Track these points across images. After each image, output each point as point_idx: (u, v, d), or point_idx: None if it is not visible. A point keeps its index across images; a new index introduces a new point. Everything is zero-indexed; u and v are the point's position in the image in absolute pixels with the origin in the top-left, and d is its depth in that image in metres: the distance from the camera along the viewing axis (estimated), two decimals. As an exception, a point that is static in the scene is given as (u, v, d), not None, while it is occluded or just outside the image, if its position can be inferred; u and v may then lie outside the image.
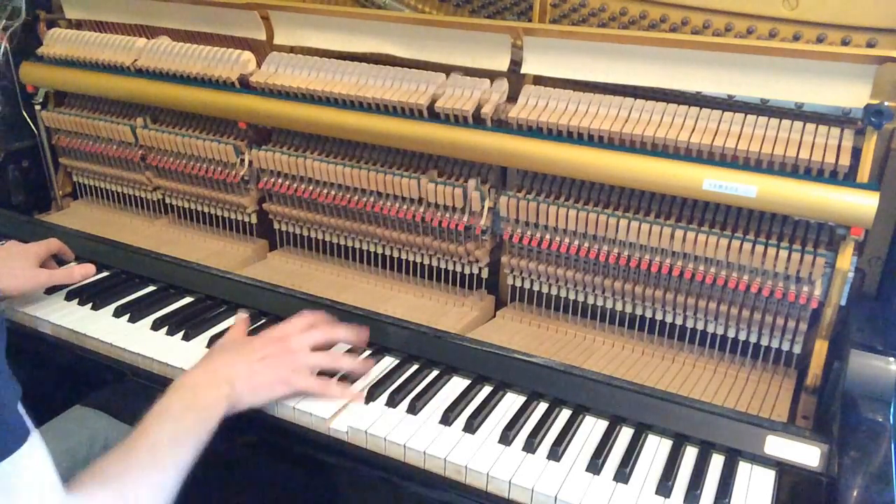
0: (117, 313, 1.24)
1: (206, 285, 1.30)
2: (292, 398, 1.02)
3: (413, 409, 1.02)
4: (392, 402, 1.03)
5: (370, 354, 1.13)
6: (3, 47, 1.58)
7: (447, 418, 1.00)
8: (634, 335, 1.22)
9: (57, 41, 1.59)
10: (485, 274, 1.31)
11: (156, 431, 0.86)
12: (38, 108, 1.65)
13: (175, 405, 0.89)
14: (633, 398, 1.00)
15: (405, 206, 1.29)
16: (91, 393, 1.19)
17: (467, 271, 1.32)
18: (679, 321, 1.17)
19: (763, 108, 1.13)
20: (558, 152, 1.14)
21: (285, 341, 1.02)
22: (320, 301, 1.23)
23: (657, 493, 0.89)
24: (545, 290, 1.26)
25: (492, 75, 1.22)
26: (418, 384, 1.07)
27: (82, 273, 1.29)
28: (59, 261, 1.34)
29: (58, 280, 1.27)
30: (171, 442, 0.85)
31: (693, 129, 1.08)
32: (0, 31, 1.57)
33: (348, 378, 1.06)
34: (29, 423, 0.71)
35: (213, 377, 0.95)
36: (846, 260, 1.02)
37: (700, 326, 1.16)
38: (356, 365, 1.07)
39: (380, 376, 1.08)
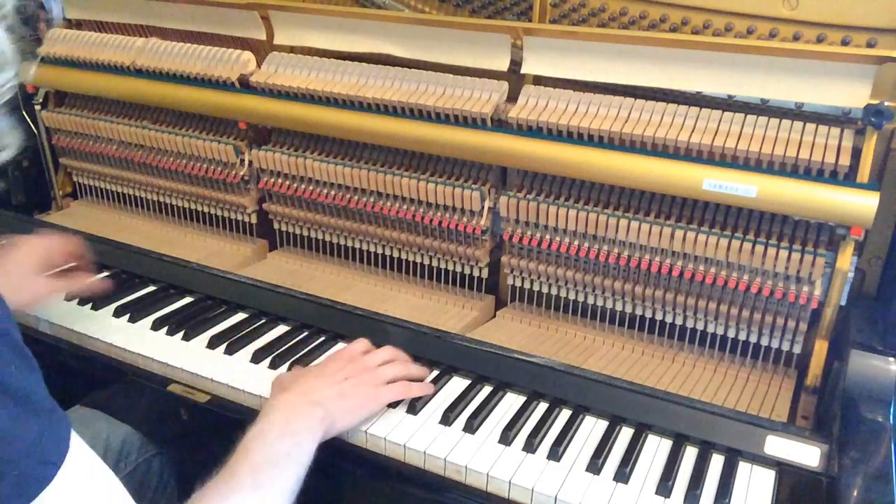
0: (117, 313, 1.24)
1: (206, 285, 1.30)
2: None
3: (413, 410, 1.02)
4: (392, 403, 1.03)
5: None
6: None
7: (447, 418, 1.00)
8: (634, 335, 1.22)
9: (57, 41, 1.59)
10: (485, 274, 1.31)
11: (255, 454, 0.83)
12: (38, 108, 1.65)
13: (272, 429, 0.87)
14: (633, 398, 1.00)
15: (405, 206, 1.29)
16: (91, 393, 1.19)
17: (467, 271, 1.32)
18: (679, 321, 1.17)
19: (763, 108, 1.13)
20: (558, 152, 1.14)
21: (359, 361, 1.02)
22: (320, 301, 1.23)
23: (657, 493, 0.89)
24: (545, 290, 1.26)
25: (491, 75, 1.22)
26: (418, 384, 1.07)
27: (87, 287, 1.23)
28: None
29: (60, 290, 1.20)
30: (271, 464, 0.83)
31: (693, 129, 1.08)
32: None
33: None
34: (73, 438, 0.66)
35: (305, 401, 0.93)
36: (846, 260, 1.02)
37: (700, 326, 1.16)
38: (420, 370, 1.08)
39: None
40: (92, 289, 1.24)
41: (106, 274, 1.27)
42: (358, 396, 0.97)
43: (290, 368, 1.10)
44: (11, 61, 0.66)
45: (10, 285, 1.11)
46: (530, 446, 0.95)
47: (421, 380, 1.06)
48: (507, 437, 0.97)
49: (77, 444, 0.65)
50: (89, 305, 1.25)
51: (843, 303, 1.05)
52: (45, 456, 0.62)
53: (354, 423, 0.97)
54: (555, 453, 0.94)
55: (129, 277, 1.35)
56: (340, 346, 1.16)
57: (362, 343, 1.07)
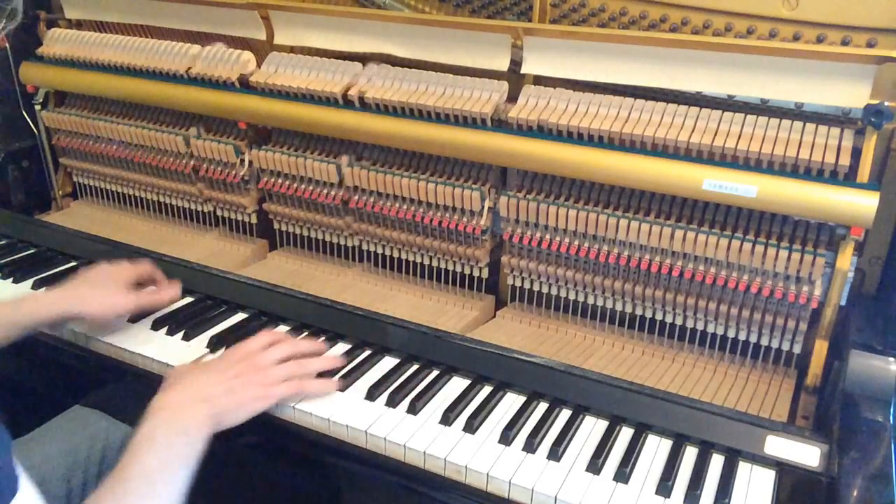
0: (117, 313, 1.24)
1: (206, 285, 1.30)
2: (293, 399, 1.02)
3: (413, 409, 1.02)
4: (392, 402, 1.03)
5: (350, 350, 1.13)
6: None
7: (447, 418, 1.00)
8: (634, 335, 1.22)
9: (57, 41, 1.59)
10: (485, 274, 1.31)
11: (146, 458, 0.83)
12: (38, 108, 1.65)
13: (160, 430, 0.86)
14: (633, 398, 1.00)
15: (405, 206, 1.29)
16: (91, 393, 1.19)
17: (467, 271, 1.32)
18: (679, 321, 1.17)
19: (763, 108, 1.13)
20: (558, 152, 1.14)
21: (251, 359, 1.00)
22: (320, 301, 1.23)
23: (657, 493, 0.89)
24: (545, 290, 1.26)
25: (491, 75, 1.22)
26: (418, 384, 1.07)
27: (171, 296, 1.22)
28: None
29: (145, 306, 1.19)
30: (161, 468, 0.82)
31: (693, 129, 1.08)
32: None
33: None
34: (17, 470, 0.67)
35: (191, 397, 0.92)
36: (846, 260, 1.02)
37: (700, 326, 1.16)
38: (324, 363, 1.06)
39: (380, 376, 1.08)
40: (172, 297, 1.23)
41: (176, 282, 1.26)
42: (247, 395, 0.96)
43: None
44: None
45: (98, 298, 1.14)
46: (530, 446, 0.95)
47: (324, 370, 1.05)
48: (507, 437, 0.97)
49: (26, 490, 0.66)
50: (89, 305, 1.25)
51: (843, 303, 1.05)
52: None
53: (242, 418, 0.95)
54: (555, 453, 0.94)
55: (129, 277, 1.35)
56: (341, 346, 1.16)
57: (260, 339, 1.04)
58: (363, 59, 1.32)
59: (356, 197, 1.33)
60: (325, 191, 1.36)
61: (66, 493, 1.01)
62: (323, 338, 1.17)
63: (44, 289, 1.31)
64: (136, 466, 0.81)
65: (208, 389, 0.93)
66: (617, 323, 1.24)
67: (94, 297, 1.14)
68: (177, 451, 0.85)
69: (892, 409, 0.91)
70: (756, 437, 0.93)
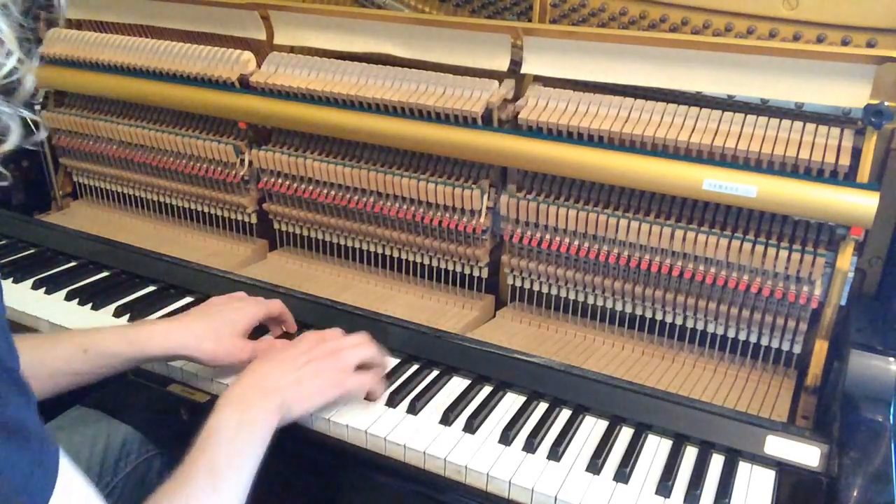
0: (117, 313, 1.23)
1: (206, 285, 1.30)
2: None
3: (413, 409, 1.02)
4: (392, 402, 1.03)
5: None
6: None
7: (447, 418, 1.00)
8: (634, 335, 1.22)
9: (57, 41, 1.59)
10: (485, 274, 1.31)
11: (213, 452, 0.81)
12: (38, 108, 1.65)
13: (228, 422, 0.85)
14: (633, 398, 1.00)
15: (405, 206, 1.29)
16: (91, 393, 1.18)
17: (467, 271, 1.32)
18: (679, 321, 1.17)
19: (763, 108, 1.13)
20: (559, 152, 1.14)
21: (325, 343, 0.99)
22: (320, 301, 1.23)
23: (657, 493, 0.89)
24: (545, 290, 1.26)
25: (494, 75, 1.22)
26: (418, 384, 1.07)
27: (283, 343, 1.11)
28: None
29: (261, 354, 1.05)
30: (228, 461, 0.81)
31: (693, 129, 1.08)
32: None
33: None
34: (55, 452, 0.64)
35: (261, 388, 0.90)
36: (846, 260, 1.02)
37: (700, 326, 1.16)
38: (385, 360, 1.06)
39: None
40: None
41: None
42: (317, 382, 0.94)
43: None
44: (13, 50, 0.65)
45: (214, 343, 1.03)
46: (530, 446, 0.95)
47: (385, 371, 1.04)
48: (507, 437, 0.96)
49: (64, 469, 0.65)
50: (89, 305, 1.25)
51: (843, 303, 1.05)
52: (34, 493, 0.61)
53: (312, 409, 0.94)
54: (555, 453, 0.94)
55: (129, 277, 1.35)
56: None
57: (331, 330, 1.03)
58: (363, 58, 1.32)
59: (356, 197, 1.33)
60: (325, 191, 1.36)
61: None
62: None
63: (157, 318, 1.21)
64: (201, 459, 0.80)
65: (277, 380, 0.92)
66: (617, 323, 1.24)
67: (209, 339, 1.02)
68: (243, 444, 0.84)
69: (892, 409, 0.91)
70: (756, 437, 0.93)
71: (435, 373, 1.10)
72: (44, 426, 0.64)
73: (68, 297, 1.27)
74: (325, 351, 0.98)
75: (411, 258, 1.36)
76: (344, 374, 0.97)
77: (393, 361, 1.12)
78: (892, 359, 0.94)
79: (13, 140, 0.70)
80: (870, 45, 1.07)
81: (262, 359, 0.97)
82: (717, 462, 0.93)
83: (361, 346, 1.01)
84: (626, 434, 0.98)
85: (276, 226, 1.48)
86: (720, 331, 1.14)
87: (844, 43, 1.08)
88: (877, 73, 0.99)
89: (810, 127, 1.04)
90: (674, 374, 1.14)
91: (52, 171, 1.72)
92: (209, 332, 1.03)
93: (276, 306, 1.13)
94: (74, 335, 1.02)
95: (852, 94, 1.01)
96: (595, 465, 0.92)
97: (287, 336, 1.16)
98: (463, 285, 1.34)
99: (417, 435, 0.97)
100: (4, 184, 0.72)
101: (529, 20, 1.26)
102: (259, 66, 1.39)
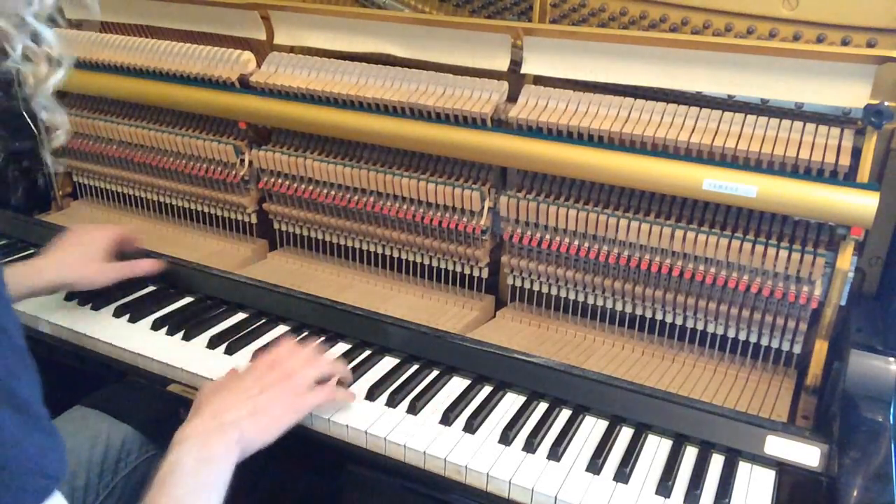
0: (117, 313, 1.24)
1: (206, 285, 1.30)
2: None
3: (413, 409, 1.02)
4: (392, 402, 1.03)
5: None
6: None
7: (447, 418, 1.00)
8: (634, 335, 1.22)
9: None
10: (485, 274, 1.31)
11: (173, 489, 0.80)
12: (37, 108, 1.65)
13: (187, 459, 0.83)
14: (633, 398, 1.00)
15: (405, 206, 1.29)
16: (91, 393, 1.19)
17: (467, 271, 1.32)
18: (679, 321, 1.17)
19: (763, 108, 1.13)
20: (558, 152, 1.14)
21: (280, 366, 0.97)
22: (320, 301, 1.23)
23: (657, 493, 0.89)
24: (545, 290, 1.26)
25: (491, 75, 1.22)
26: (418, 384, 1.07)
27: (150, 266, 1.28)
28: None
29: (125, 275, 1.25)
30: (192, 495, 0.80)
31: (693, 129, 1.08)
32: None
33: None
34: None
35: (218, 424, 0.89)
36: (846, 260, 1.02)
37: (700, 326, 1.16)
38: (345, 369, 1.05)
39: (380, 376, 1.08)
40: (152, 269, 1.29)
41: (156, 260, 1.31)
42: (274, 411, 0.92)
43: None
44: (64, 56, 0.72)
45: (87, 268, 1.21)
46: (530, 446, 0.95)
47: (346, 379, 1.04)
48: (507, 437, 0.97)
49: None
50: (89, 305, 1.25)
51: (843, 303, 1.05)
52: (46, 470, 0.61)
53: (271, 439, 0.92)
54: (555, 453, 0.94)
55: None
56: (341, 346, 1.16)
57: (285, 347, 1.01)
58: (363, 58, 1.32)
59: (356, 197, 1.33)
60: (325, 191, 1.36)
61: (68, 493, 1.01)
62: (323, 338, 1.18)
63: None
64: (162, 498, 0.79)
65: (233, 414, 0.90)
66: (617, 323, 1.24)
67: (82, 266, 1.20)
68: (204, 481, 0.83)
69: (892, 409, 0.91)
70: (756, 437, 0.93)
71: (435, 373, 1.10)
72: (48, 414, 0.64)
73: (68, 298, 1.27)
74: (279, 376, 0.96)
75: (411, 258, 1.36)
76: (299, 397, 0.96)
77: (393, 361, 1.12)
78: (892, 359, 0.94)
79: (62, 137, 0.80)
80: (870, 45, 1.07)
81: (216, 391, 0.95)
82: (717, 462, 0.94)
83: (313, 363, 1.00)
84: (626, 434, 0.98)
85: (276, 226, 1.48)
86: (720, 331, 1.14)
87: (844, 43, 1.08)
88: (877, 73, 0.99)
89: (810, 127, 1.04)
90: (674, 374, 1.14)
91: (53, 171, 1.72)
92: (77, 260, 1.20)
93: (125, 229, 1.31)
94: None
95: (852, 94, 1.01)
96: (595, 465, 0.92)
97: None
98: (463, 285, 1.34)
99: (417, 435, 0.97)
100: (61, 170, 0.80)
101: (529, 20, 1.26)
102: (259, 66, 1.39)
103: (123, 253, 1.30)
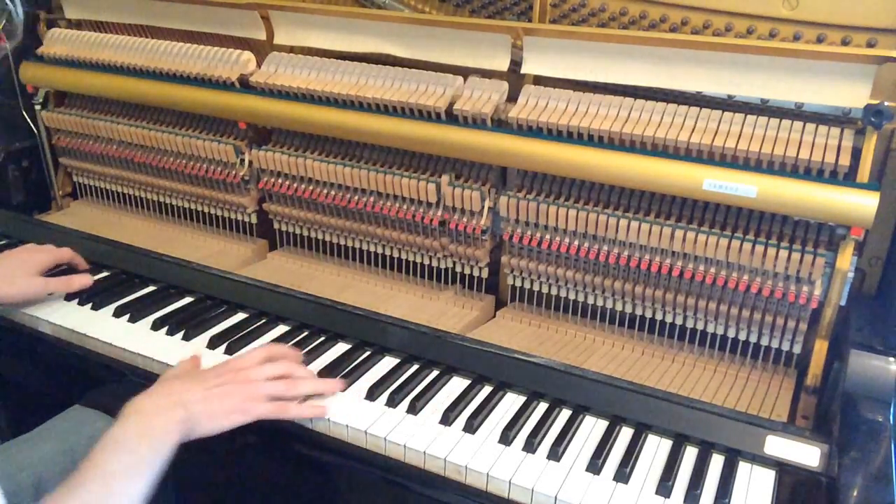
0: (117, 313, 1.24)
1: (206, 285, 1.30)
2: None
3: (413, 409, 1.02)
4: (392, 402, 1.03)
5: (367, 356, 1.12)
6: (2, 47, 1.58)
7: (447, 418, 1.00)
8: (634, 335, 1.22)
9: (57, 41, 1.59)
10: (485, 274, 1.31)
11: (108, 462, 0.82)
12: (38, 108, 1.65)
13: (127, 433, 0.85)
14: (633, 398, 1.00)
15: (405, 207, 1.29)
16: (91, 393, 1.18)
17: (467, 271, 1.32)
18: (679, 321, 1.17)
19: (763, 108, 1.13)
20: (558, 152, 1.14)
21: (242, 372, 0.99)
22: (320, 301, 1.23)
23: (657, 493, 0.89)
24: (545, 290, 1.26)
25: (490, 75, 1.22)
26: (418, 384, 1.07)
27: (80, 283, 1.28)
28: (68, 270, 1.33)
29: (53, 289, 1.26)
30: (124, 472, 0.81)
31: (693, 129, 1.08)
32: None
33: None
34: None
35: (166, 401, 0.90)
36: (846, 260, 1.02)
37: (700, 326, 1.16)
38: (320, 386, 1.04)
39: (380, 376, 1.08)
40: (82, 284, 1.29)
41: (87, 274, 1.32)
42: (225, 406, 0.94)
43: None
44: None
45: (8, 284, 1.21)
46: (530, 446, 0.95)
47: (327, 394, 1.04)
48: (507, 437, 0.96)
49: None
50: (89, 305, 1.25)
51: (843, 303, 1.05)
52: None
53: (218, 429, 0.93)
54: (555, 453, 0.94)
55: (129, 277, 1.35)
56: (341, 346, 1.16)
57: (259, 353, 1.03)
58: (363, 58, 1.33)
59: (356, 197, 1.33)
60: (325, 191, 1.36)
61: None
62: (323, 338, 1.18)
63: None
64: (96, 469, 0.81)
65: (184, 395, 0.92)
66: (617, 323, 1.24)
67: (4, 282, 1.21)
68: (140, 457, 0.84)
69: (892, 409, 0.91)
70: (756, 437, 0.93)
71: (435, 373, 1.10)
72: None
73: (68, 298, 1.27)
74: (241, 378, 0.98)
75: (411, 258, 1.36)
76: (253, 402, 0.96)
77: (393, 361, 1.12)
78: (892, 359, 0.94)
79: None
80: (870, 45, 1.07)
81: (176, 376, 0.98)
82: (717, 462, 0.94)
83: (277, 383, 1.00)
84: (626, 434, 0.98)
85: (276, 226, 1.48)
86: (720, 331, 1.14)
87: (844, 43, 1.08)
88: (877, 73, 0.99)
89: (810, 127, 1.04)
90: (674, 374, 1.14)
91: (52, 171, 1.72)
92: (4, 277, 1.21)
93: (65, 253, 1.31)
94: None
95: (852, 94, 1.01)
96: (595, 465, 0.92)
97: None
98: (463, 285, 1.34)
99: (417, 435, 0.97)
100: None
101: (529, 20, 1.26)
102: (259, 66, 1.39)
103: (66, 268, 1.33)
